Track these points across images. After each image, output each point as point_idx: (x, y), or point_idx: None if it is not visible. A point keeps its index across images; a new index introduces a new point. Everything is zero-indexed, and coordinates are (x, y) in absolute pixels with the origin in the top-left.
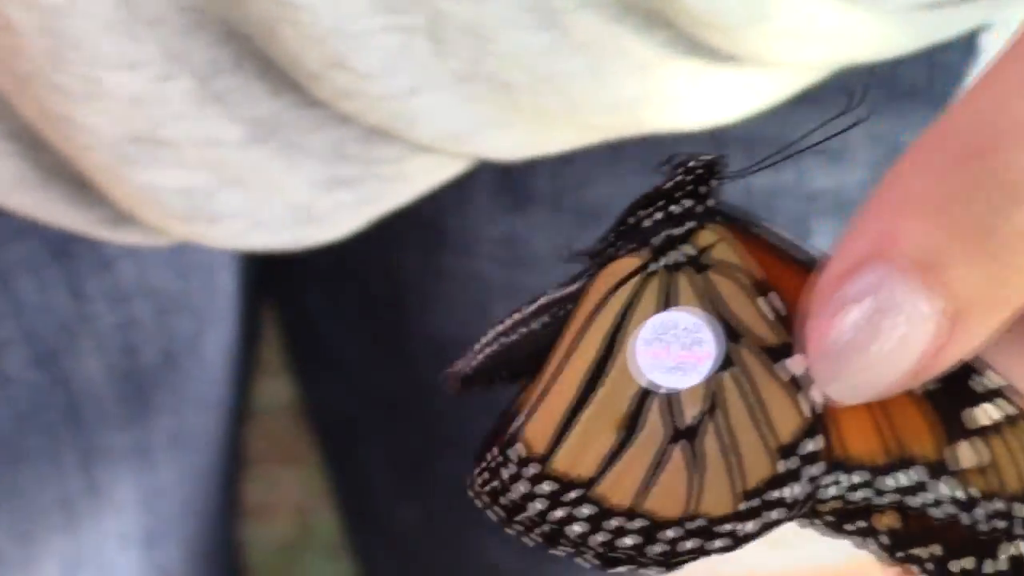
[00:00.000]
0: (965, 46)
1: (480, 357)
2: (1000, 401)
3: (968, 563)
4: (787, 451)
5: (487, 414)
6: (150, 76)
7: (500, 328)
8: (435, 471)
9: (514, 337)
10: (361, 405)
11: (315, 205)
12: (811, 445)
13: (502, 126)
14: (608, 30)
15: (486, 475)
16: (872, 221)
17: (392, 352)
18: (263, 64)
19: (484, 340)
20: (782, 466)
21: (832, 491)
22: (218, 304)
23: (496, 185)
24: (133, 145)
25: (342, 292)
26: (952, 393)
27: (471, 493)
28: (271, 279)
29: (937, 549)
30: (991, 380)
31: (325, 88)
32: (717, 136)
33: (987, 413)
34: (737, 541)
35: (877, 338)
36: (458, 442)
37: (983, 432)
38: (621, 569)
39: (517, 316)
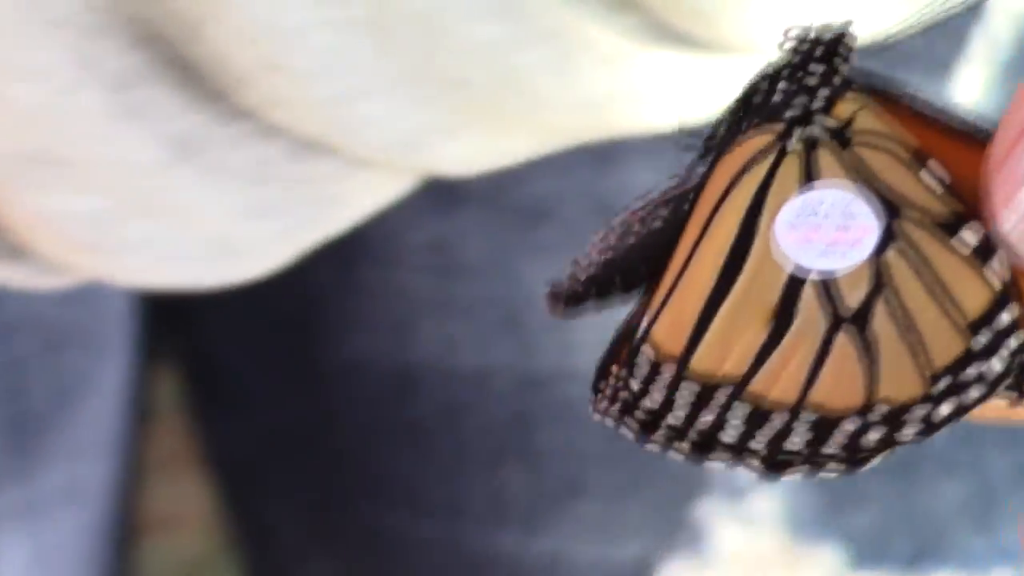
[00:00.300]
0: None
1: (589, 267)
2: None
3: None
4: (979, 325)
5: (413, 448)
6: (54, 87)
7: (611, 230)
8: (352, 520)
9: (628, 240)
10: (265, 446)
11: (235, 235)
12: (1006, 317)
13: (456, 133)
14: (571, 16)
15: (611, 392)
16: None
17: (301, 383)
18: (183, 72)
19: (592, 245)
20: (976, 342)
21: None
22: (112, 335)
23: (421, 184)
24: (31, 165)
25: (243, 314)
26: None
27: (596, 415)
28: (166, 302)
29: None
30: None
31: (254, 94)
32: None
33: None
34: (932, 427)
35: None
36: (379, 485)
37: None
38: (795, 474)
39: (628, 215)
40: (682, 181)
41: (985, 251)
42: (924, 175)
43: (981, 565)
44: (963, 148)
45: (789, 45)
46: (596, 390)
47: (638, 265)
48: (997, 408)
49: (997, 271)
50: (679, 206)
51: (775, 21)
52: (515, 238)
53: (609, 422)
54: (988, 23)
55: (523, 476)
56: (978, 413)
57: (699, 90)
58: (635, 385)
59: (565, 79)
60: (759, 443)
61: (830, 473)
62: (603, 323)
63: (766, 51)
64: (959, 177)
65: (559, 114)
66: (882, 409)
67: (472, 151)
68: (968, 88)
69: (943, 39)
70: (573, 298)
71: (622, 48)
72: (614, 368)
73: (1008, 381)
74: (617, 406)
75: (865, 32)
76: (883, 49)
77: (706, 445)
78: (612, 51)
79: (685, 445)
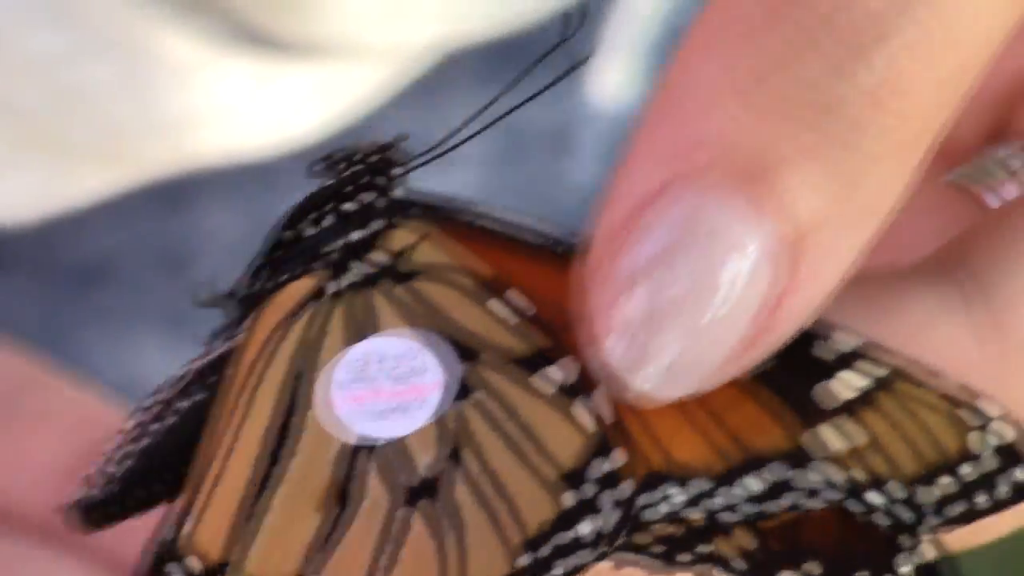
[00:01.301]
0: None
1: (112, 472)
2: (862, 364)
3: None
4: (573, 478)
5: None
6: None
7: (133, 425)
8: None
9: (157, 431)
10: None
11: None
12: (606, 464)
13: (14, 168)
14: (138, 22)
15: None
16: (663, 128)
17: None
18: None
19: (112, 447)
20: (570, 498)
21: (663, 509)
22: None
23: None
24: None
25: None
26: (793, 369)
27: None
28: None
29: (815, 568)
30: (843, 341)
31: None
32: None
33: (848, 383)
34: None
35: (692, 297)
36: None
37: (850, 408)
38: None
39: (153, 403)
40: (211, 348)
41: (576, 390)
42: (497, 306)
43: None
44: (552, 268)
45: (331, 169)
46: None
47: (176, 464)
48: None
49: (591, 412)
50: (211, 381)
51: (385, 14)
52: (72, 304)
53: None
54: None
55: None
56: None
57: (301, 102)
58: None
59: (135, 99)
60: None
61: None
62: None
63: (376, 51)
64: (551, 304)
65: (132, 140)
66: None
67: (33, 191)
68: (607, 81)
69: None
70: (100, 512)
71: (200, 57)
72: None
73: (620, 542)
74: None
75: (491, 27)
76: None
77: None
78: (188, 61)
79: None
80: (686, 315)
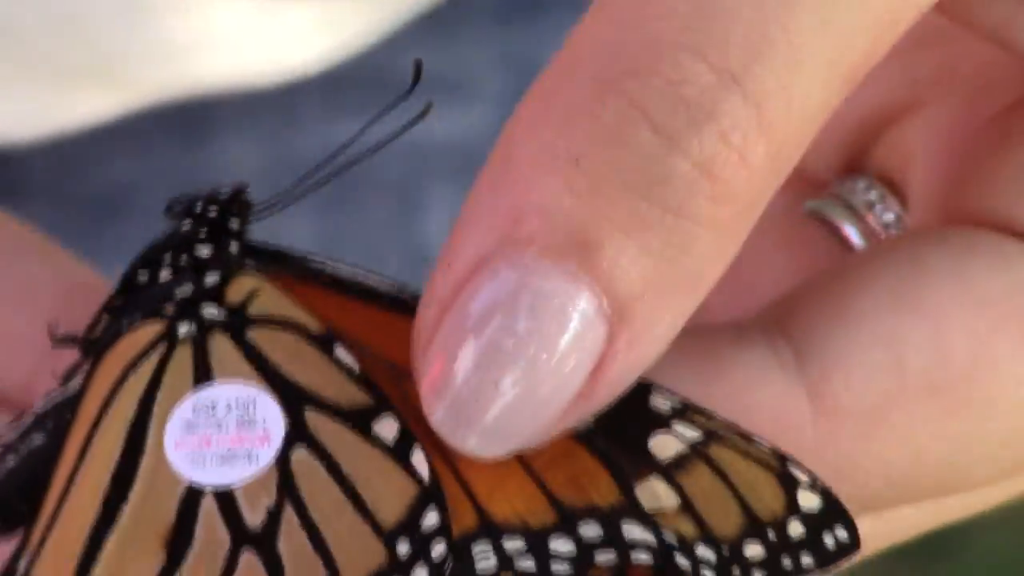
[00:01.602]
0: None
1: None
2: (695, 416)
3: None
4: (403, 530)
5: None
6: None
7: None
8: None
9: (6, 464)
10: None
11: None
12: (433, 518)
13: (8, 91)
14: None
15: None
16: (491, 198)
17: None
18: None
19: None
20: (402, 547)
21: (489, 564)
22: None
23: None
24: None
25: None
26: (629, 419)
27: None
28: None
29: None
30: (672, 396)
31: None
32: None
33: (682, 436)
34: None
35: (520, 362)
36: None
37: (679, 463)
38: None
39: (2, 444)
40: (63, 388)
41: (408, 443)
42: (334, 360)
43: None
44: (383, 323)
45: (176, 216)
46: None
47: (18, 496)
48: None
49: (423, 464)
50: (60, 418)
51: None
52: (90, 235)
53: None
54: None
55: None
56: None
57: (297, 36)
58: None
59: (134, 22)
60: None
61: None
62: None
63: None
64: (381, 358)
65: (132, 65)
66: None
67: (28, 113)
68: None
69: None
70: None
71: None
72: None
73: None
74: None
75: None
76: None
77: None
78: None
79: None
80: (510, 377)
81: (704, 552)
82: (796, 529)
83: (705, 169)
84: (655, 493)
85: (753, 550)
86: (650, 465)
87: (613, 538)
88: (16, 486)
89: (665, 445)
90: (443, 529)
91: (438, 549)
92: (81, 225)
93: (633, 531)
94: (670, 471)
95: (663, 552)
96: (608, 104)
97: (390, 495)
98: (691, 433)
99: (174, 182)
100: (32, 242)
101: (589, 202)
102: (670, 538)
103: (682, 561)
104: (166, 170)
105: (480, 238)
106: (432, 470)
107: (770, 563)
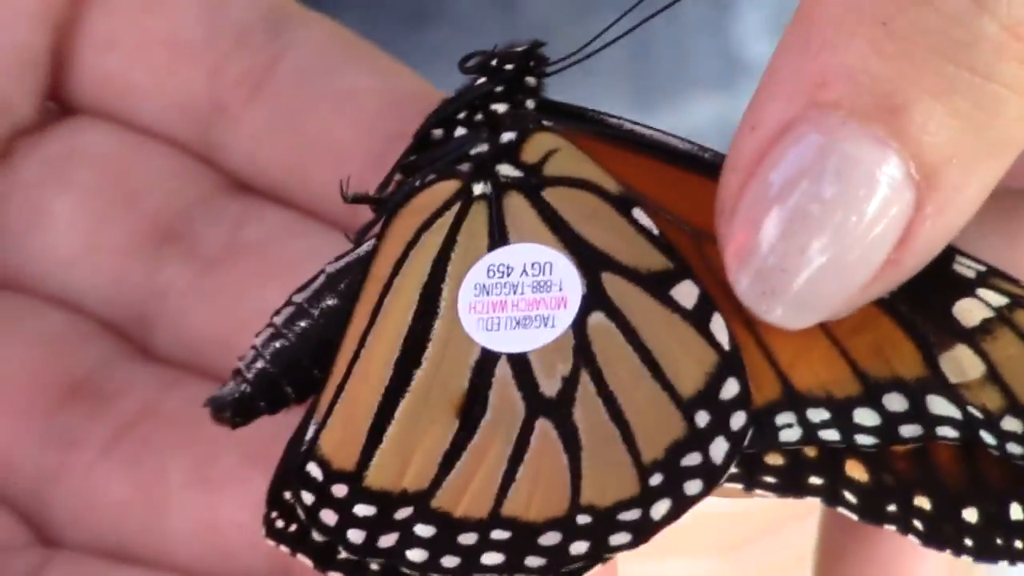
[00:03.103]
0: None
1: (255, 368)
2: (999, 282)
3: (971, 515)
4: (702, 400)
5: None
6: None
7: (275, 324)
8: None
9: (298, 324)
10: None
11: None
12: (734, 387)
13: None
14: None
15: (283, 518)
16: (796, 59)
17: None
18: None
19: (256, 343)
20: (701, 418)
21: (790, 436)
22: None
23: None
24: None
25: None
26: (933, 285)
27: (270, 540)
28: None
29: (924, 503)
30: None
31: None
32: None
33: (987, 300)
34: (649, 530)
35: (827, 229)
36: None
37: (986, 329)
38: None
39: (294, 304)
40: (351, 249)
41: (707, 309)
42: (632, 221)
43: None
44: (683, 184)
45: (470, 72)
46: (268, 514)
47: (310, 366)
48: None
49: (723, 331)
50: (353, 279)
51: None
52: (402, 43)
53: (285, 550)
54: None
55: None
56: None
57: None
58: (309, 503)
59: None
60: (450, 564)
61: None
62: None
63: None
64: (680, 221)
65: None
66: (585, 519)
67: None
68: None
69: None
70: (242, 404)
71: None
72: (287, 494)
73: (732, 470)
74: (290, 532)
75: None
76: None
77: (392, 571)
78: None
79: (372, 573)
80: (817, 244)
81: (1010, 424)
82: None
83: (1014, 31)
84: (960, 364)
85: None
86: (955, 332)
87: (918, 412)
88: (313, 344)
89: (970, 311)
90: (743, 399)
91: (738, 419)
92: (393, 33)
93: (938, 405)
94: (975, 338)
95: (968, 427)
96: None
97: (689, 363)
98: (997, 299)
99: None
100: (359, 50)
101: (897, 65)
102: (976, 413)
103: (988, 437)
104: None
105: (785, 102)
106: (732, 337)
107: None
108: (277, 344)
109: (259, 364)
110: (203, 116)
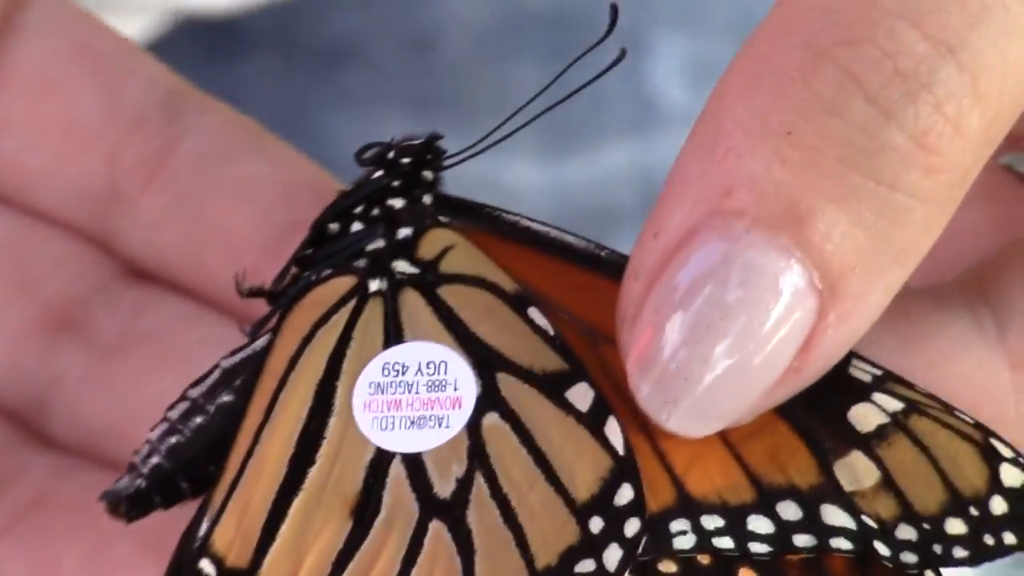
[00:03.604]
0: None
1: (151, 464)
2: (894, 386)
3: None
4: (596, 505)
5: None
6: None
7: (170, 419)
8: None
9: (191, 427)
10: None
11: None
12: (628, 492)
13: None
14: None
15: None
16: (700, 166)
17: None
18: None
19: (152, 438)
20: (595, 524)
21: (684, 543)
22: None
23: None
24: None
25: None
26: (829, 390)
27: None
28: None
29: None
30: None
31: None
32: None
33: (884, 406)
34: None
35: (730, 336)
36: None
37: (880, 434)
38: None
39: (189, 399)
40: (246, 344)
41: (603, 412)
42: (528, 321)
43: None
44: (578, 283)
45: (367, 164)
46: None
47: (207, 453)
48: None
49: (618, 436)
50: (249, 375)
51: None
52: (316, 85)
53: None
54: None
55: None
56: None
57: None
58: None
59: None
60: None
61: None
62: None
63: None
64: (576, 321)
65: None
66: None
67: None
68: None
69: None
70: (137, 499)
71: None
72: None
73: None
74: None
75: None
76: None
77: None
78: None
79: None
80: (719, 349)
81: (905, 532)
82: (999, 506)
83: (919, 141)
84: (855, 471)
85: (955, 526)
86: (850, 438)
87: (812, 521)
88: (205, 443)
89: (866, 416)
90: (638, 505)
91: (632, 526)
92: (306, 75)
93: (832, 515)
94: (870, 443)
95: (863, 538)
96: (821, 73)
97: (583, 467)
98: (892, 404)
99: (401, 31)
100: (256, 136)
101: (801, 174)
102: (870, 523)
103: (882, 549)
104: (394, 18)
105: (689, 208)
106: (627, 441)
107: (972, 540)
108: (172, 440)
109: (154, 459)
110: (101, 202)
